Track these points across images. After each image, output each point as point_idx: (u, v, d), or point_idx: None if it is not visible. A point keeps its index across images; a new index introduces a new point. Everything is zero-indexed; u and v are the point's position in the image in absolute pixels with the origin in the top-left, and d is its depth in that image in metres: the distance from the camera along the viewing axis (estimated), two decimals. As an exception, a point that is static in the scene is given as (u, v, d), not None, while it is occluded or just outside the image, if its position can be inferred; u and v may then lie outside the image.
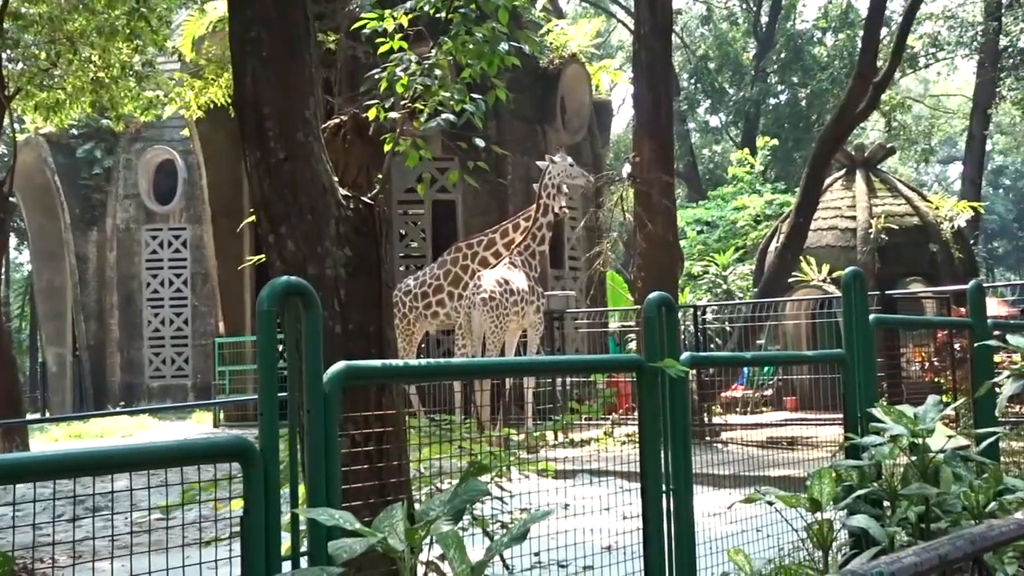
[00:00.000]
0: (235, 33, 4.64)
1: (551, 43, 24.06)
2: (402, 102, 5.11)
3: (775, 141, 38.13)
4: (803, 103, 46.74)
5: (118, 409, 24.69)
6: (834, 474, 5.73)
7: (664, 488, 4.89)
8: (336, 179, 4.58)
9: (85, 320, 30.50)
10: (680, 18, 52.10)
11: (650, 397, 4.80)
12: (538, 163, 18.07)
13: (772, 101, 48.85)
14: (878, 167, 23.72)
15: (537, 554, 5.09)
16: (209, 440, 3.32)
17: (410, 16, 6.10)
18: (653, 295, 5.02)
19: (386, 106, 5.11)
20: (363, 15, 6.17)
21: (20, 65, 16.97)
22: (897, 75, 42.26)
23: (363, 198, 4.58)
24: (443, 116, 4.84)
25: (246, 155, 4.48)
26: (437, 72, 5.17)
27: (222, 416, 22.81)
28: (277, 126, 4.43)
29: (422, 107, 4.97)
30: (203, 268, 28.08)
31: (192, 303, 29.73)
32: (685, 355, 5.23)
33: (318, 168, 4.45)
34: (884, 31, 27.88)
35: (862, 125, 45.14)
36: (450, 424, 5.10)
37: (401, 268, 21.89)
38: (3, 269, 15.99)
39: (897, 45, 19.60)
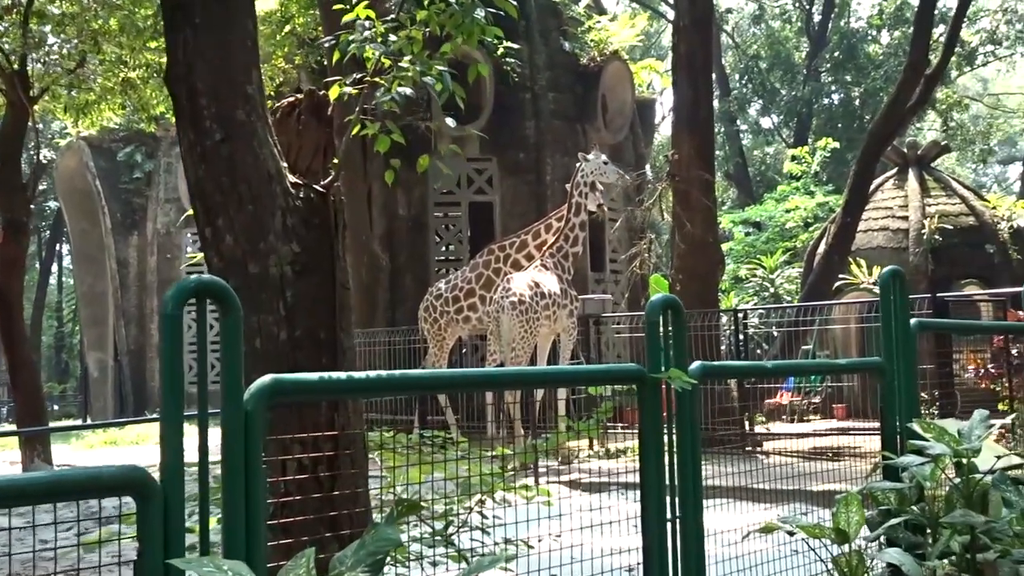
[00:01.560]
0: None
1: (592, 40, 23.46)
2: (360, 75, 4.54)
3: (836, 144, 37.09)
4: (856, 102, 45.66)
5: (151, 415, 24.39)
6: (869, 498, 5.13)
7: (670, 516, 4.30)
8: (286, 165, 4.03)
9: (126, 325, 30.35)
10: (731, 17, 51.33)
11: (652, 413, 4.21)
12: (578, 162, 17.49)
13: (825, 101, 47.80)
14: (932, 165, 22.84)
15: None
16: (94, 472, 2.78)
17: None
18: (656, 297, 4.44)
19: (347, 82, 4.55)
20: None
21: (45, 65, 16.65)
22: (954, 73, 41.26)
23: (315, 186, 4.02)
24: (400, 90, 4.25)
25: (180, 137, 3.94)
26: (402, 42, 4.57)
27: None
28: (213, 103, 3.89)
29: (383, 82, 4.39)
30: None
31: (232, 307, 29.37)
32: (695, 364, 4.63)
33: (262, 151, 3.91)
34: (938, 28, 27.01)
35: (918, 126, 44.18)
36: (443, 439, 4.54)
37: (438, 271, 21.38)
38: (23, 273, 15.67)
39: (950, 36, 18.80)
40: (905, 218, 21.28)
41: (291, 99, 4.25)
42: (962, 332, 13.59)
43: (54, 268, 58.33)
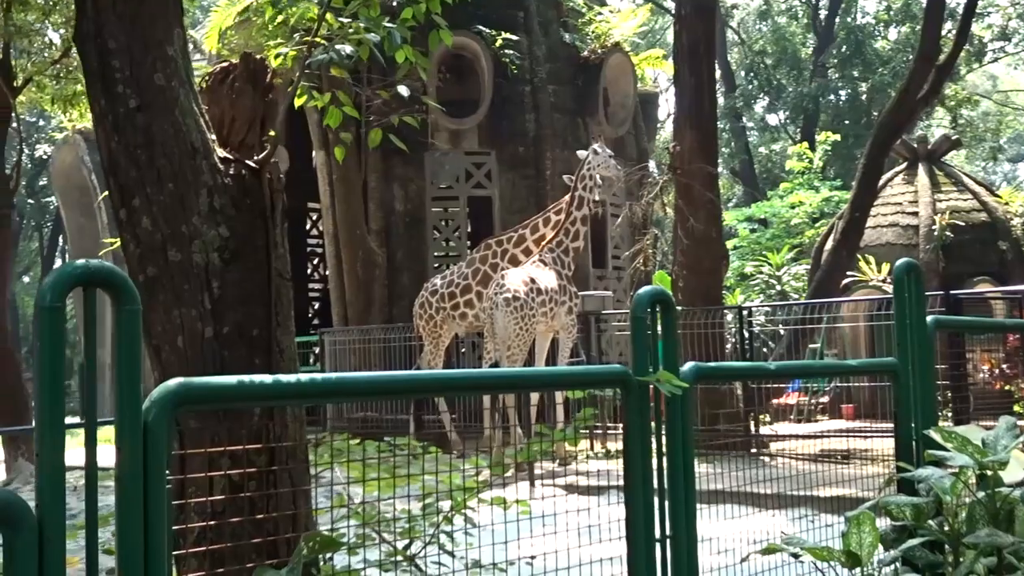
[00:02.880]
0: None
1: (593, 32, 22.96)
2: (297, 35, 4.03)
3: (836, 136, 36.54)
4: (864, 98, 45.08)
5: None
6: (883, 511, 4.64)
7: (659, 535, 3.82)
8: (214, 138, 3.53)
9: (122, 321, 29.86)
10: (737, 13, 50.87)
11: (637, 420, 3.72)
12: (578, 152, 16.98)
13: (831, 97, 47.23)
14: (942, 160, 22.29)
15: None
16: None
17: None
18: (644, 290, 3.94)
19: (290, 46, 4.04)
20: None
21: (29, 55, 16.20)
22: (963, 70, 40.65)
23: (248, 162, 3.52)
24: (340, 47, 3.73)
25: (91, 104, 3.45)
26: (356, 5, 4.05)
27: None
28: (128, 65, 3.39)
29: (323, 41, 3.87)
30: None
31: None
32: (688, 365, 4.14)
33: (185, 121, 3.41)
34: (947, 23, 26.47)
35: (927, 122, 43.57)
36: (406, 448, 4.02)
37: (436, 267, 20.89)
38: (11, 266, 15.22)
39: (962, 26, 18.25)
40: (915, 214, 20.75)
41: (224, 64, 3.76)
42: (981, 330, 13.06)
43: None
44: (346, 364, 18.81)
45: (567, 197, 16.32)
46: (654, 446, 3.88)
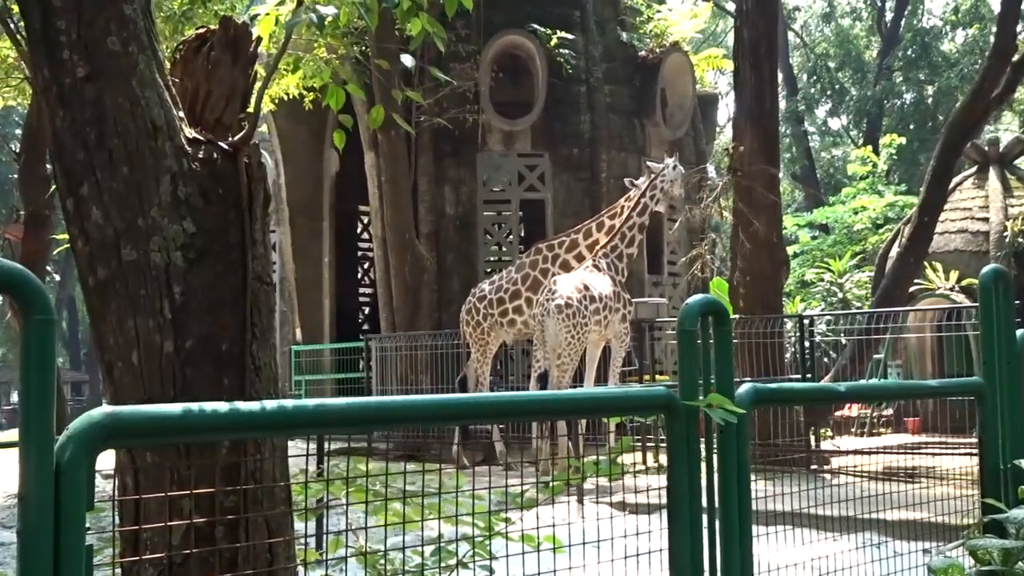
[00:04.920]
0: None
1: (652, 31, 22.35)
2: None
3: (902, 140, 35.54)
4: (929, 102, 43.96)
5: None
6: (968, 553, 4.07)
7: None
8: (182, 115, 3.01)
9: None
10: (800, 15, 49.99)
11: (684, 453, 3.16)
12: (649, 163, 16.43)
13: (896, 101, 46.16)
14: (1014, 164, 21.39)
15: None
16: None
17: None
18: (693, 299, 3.39)
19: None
20: None
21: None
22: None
23: (222, 143, 3.00)
24: (324, 9, 3.17)
25: (33, 74, 2.95)
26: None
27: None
28: (75, 26, 2.87)
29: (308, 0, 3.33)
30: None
31: (280, 308, 28.67)
32: (745, 387, 3.57)
33: (144, 94, 2.89)
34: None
35: (993, 126, 42.35)
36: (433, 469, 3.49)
37: (487, 272, 20.38)
38: (45, 268, 14.90)
39: (1040, 21, 17.43)
40: (985, 220, 19.90)
41: (200, 31, 3.24)
42: None
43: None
44: (393, 371, 18.39)
45: (622, 201, 15.73)
46: (704, 480, 3.33)
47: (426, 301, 19.67)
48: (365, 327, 25.38)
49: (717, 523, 3.30)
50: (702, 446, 3.32)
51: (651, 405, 3.24)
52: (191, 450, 2.76)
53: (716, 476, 3.34)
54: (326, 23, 3.14)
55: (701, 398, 3.21)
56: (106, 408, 2.07)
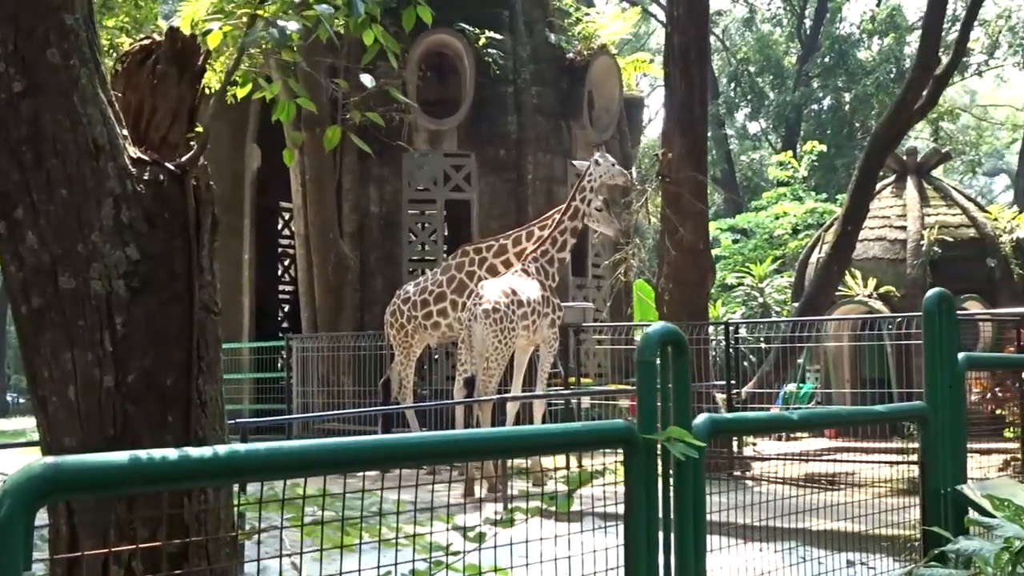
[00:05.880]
0: None
1: (580, 33, 22.33)
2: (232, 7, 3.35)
3: (822, 147, 36.07)
4: (847, 108, 44.72)
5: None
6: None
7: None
8: (126, 134, 2.84)
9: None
10: (721, 20, 50.48)
11: (643, 489, 3.09)
12: (575, 162, 16.28)
13: (814, 107, 46.88)
14: (931, 174, 21.77)
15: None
16: None
17: None
18: (653, 329, 3.31)
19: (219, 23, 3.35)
20: None
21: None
22: (945, 82, 40.27)
23: (169, 164, 2.84)
24: (283, 24, 3.02)
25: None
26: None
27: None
28: (12, 38, 2.69)
29: (264, 14, 3.16)
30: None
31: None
32: (701, 419, 3.50)
33: (86, 111, 2.71)
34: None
35: (908, 134, 43.16)
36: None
37: (411, 272, 20.20)
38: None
39: (962, 36, 17.70)
40: (903, 228, 20.22)
41: (144, 41, 3.07)
42: (1014, 368, 12.41)
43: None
44: (315, 372, 18.14)
45: (562, 207, 15.62)
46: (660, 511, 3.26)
47: (349, 301, 19.45)
48: (285, 326, 25.02)
49: (672, 557, 3.23)
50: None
51: (609, 439, 3.15)
52: (135, 497, 2.61)
53: (672, 509, 3.27)
54: (292, 37, 2.99)
55: (659, 432, 3.14)
56: (48, 461, 1.92)
